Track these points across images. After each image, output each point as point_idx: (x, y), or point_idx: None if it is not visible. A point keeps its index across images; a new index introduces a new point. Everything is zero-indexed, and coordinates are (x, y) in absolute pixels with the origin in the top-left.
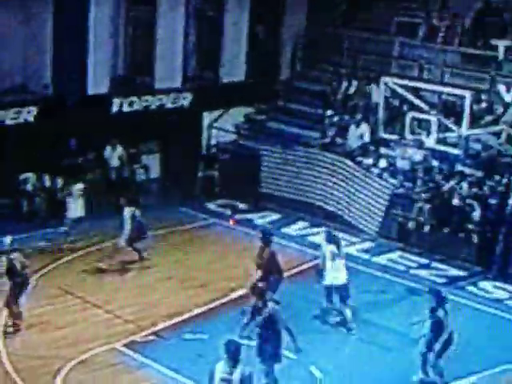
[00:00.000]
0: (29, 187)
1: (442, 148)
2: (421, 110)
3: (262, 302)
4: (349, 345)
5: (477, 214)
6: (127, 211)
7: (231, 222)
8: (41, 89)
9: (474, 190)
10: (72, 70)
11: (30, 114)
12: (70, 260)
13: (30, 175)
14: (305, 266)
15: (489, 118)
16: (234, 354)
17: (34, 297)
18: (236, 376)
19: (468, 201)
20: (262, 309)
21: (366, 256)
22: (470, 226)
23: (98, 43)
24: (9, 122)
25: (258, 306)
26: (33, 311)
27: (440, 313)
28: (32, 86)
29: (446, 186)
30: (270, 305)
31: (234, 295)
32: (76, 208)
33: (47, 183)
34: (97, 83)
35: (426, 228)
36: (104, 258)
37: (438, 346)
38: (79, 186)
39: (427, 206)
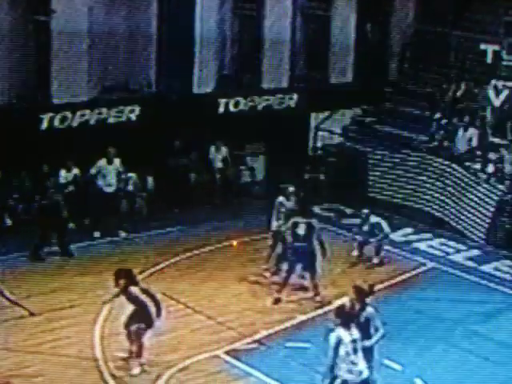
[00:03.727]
0: (130, 187)
1: None
2: None
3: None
4: (454, 356)
5: None
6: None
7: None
8: (144, 87)
9: None
10: (177, 69)
11: (132, 112)
12: (170, 264)
13: (132, 175)
14: (408, 274)
15: None
16: (346, 316)
17: None
18: (355, 333)
19: None
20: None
21: (472, 264)
22: None
23: (204, 41)
24: (111, 120)
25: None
26: None
27: None
28: (135, 84)
29: None
30: (369, 309)
31: (337, 303)
32: None
33: (149, 184)
34: (202, 82)
35: None
36: None
37: None
38: None
39: None
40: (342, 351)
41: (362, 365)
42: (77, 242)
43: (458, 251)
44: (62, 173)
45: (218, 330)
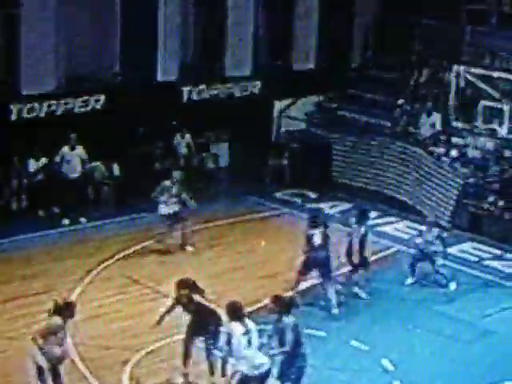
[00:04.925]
0: (97, 176)
1: None
2: (493, 99)
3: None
4: (420, 336)
5: None
6: None
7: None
8: (110, 77)
9: None
10: (141, 58)
11: (98, 102)
12: (137, 249)
13: (98, 164)
14: (374, 257)
15: None
16: (238, 312)
17: (103, 286)
18: (251, 325)
19: None
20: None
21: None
22: None
23: (168, 30)
24: (77, 110)
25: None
26: (101, 301)
27: None
28: (101, 73)
29: None
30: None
31: (301, 286)
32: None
33: (116, 172)
34: (166, 71)
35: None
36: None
37: None
38: None
39: (499, 196)
40: (235, 345)
41: (260, 358)
42: (46, 229)
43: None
44: (31, 162)
45: (183, 313)
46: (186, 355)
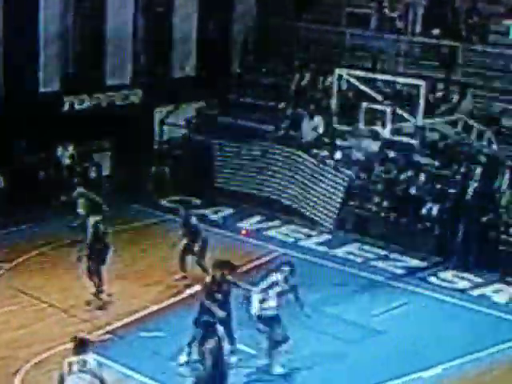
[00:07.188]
0: None
1: (398, 138)
2: (375, 101)
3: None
4: (309, 338)
5: (435, 205)
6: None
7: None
8: None
9: (432, 179)
10: (23, 69)
11: None
12: (24, 260)
13: None
14: (260, 261)
15: (445, 107)
16: None
17: None
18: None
19: (426, 191)
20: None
21: (323, 249)
22: (429, 216)
23: (48, 41)
24: None
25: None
26: None
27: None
28: None
29: (403, 177)
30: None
31: (189, 292)
32: None
33: (1, 184)
34: (47, 81)
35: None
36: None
37: None
38: None
39: (384, 197)
40: None
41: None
42: None
43: (309, 237)
44: None
45: (72, 322)
46: None
